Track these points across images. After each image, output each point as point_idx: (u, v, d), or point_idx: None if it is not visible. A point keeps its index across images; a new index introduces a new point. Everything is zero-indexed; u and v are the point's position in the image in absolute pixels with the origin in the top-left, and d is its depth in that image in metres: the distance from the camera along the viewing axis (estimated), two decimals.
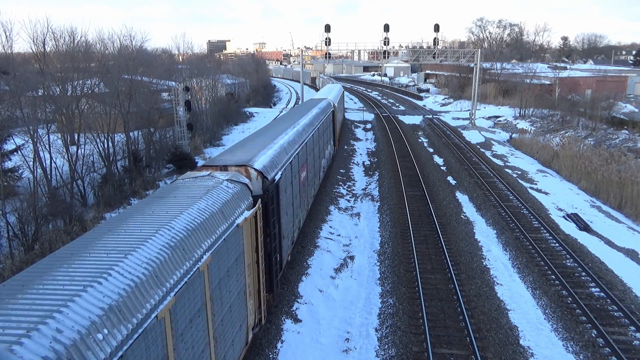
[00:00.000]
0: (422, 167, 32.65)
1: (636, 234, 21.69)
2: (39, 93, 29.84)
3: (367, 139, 45.74)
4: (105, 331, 5.47)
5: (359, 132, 49.75)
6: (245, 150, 14.42)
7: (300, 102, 61.93)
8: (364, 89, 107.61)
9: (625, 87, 74.55)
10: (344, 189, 28.16)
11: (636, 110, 56.83)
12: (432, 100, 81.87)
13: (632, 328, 13.73)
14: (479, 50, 54.71)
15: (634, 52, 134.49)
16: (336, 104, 33.74)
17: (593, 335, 13.43)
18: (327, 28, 52.50)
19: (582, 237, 20.50)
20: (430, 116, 61.36)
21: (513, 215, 22.71)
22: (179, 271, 7.14)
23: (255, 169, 12.18)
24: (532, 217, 22.71)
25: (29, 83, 29.24)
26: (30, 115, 26.69)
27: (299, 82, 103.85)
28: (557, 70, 78.19)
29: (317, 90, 71.89)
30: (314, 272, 17.06)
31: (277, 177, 13.37)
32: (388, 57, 54.47)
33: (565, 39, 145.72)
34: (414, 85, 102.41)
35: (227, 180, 10.92)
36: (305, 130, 20.38)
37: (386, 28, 52.63)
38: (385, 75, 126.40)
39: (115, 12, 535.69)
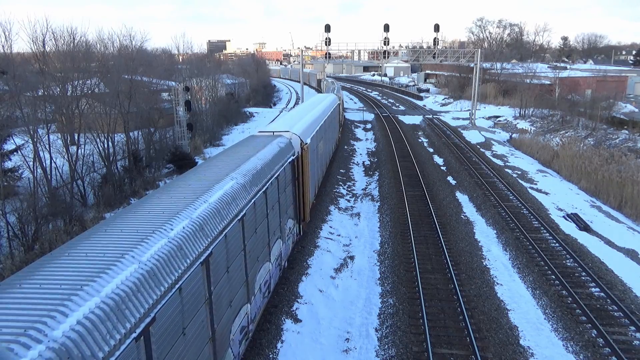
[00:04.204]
0: (422, 167, 32.64)
1: (636, 234, 21.68)
2: (39, 93, 29.83)
3: (367, 139, 45.73)
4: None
5: (359, 132, 49.76)
6: None
7: (300, 102, 61.80)
8: (364, 89, 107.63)
9: (625, 87, 74.55)
10: (344, 189, 28.15)
11: (636, 110, 56.82)
12: (432, 100, 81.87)
13: (632, 328, 13.72)
14: (479, 50, 54.70)
15: (634, 52, 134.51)
16: (308, 141, 19.28)
17: (593, 335, 13.43)
18: (327, 28, 52.51)
19: (582, 237, 20.49)
20: (430, 116, 61.36)
21: (513, 215, 22.71)
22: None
23: None
24: (532, 217, 22.71)
25: (29, 83, 29.25)
26: (30, 115, 26.68)
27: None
28: (557, 70, 78.17)
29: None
30: (314, 272, 17.06)
31: None
32: (388, 57, 54.47)
33: (565, 39, 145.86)
34: (414, 85, 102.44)
35: None
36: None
37: (386, 28, 52.64)
38: (385, 75, 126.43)
39: (116, 12, 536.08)
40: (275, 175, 14.41)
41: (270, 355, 12.36)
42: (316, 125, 23.35)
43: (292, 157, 17.01)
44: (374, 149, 40.49)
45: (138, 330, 6.31)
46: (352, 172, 32.24)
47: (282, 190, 15.62)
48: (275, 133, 17.95)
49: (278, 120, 23.90)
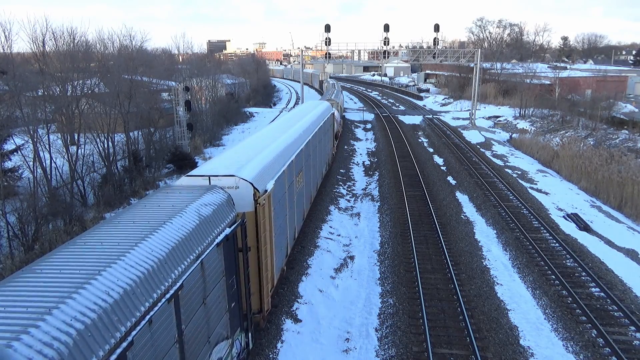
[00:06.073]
0: (422, 167, 32.64)
1: (636, 234, 21.68)
2: (39, 93, 29.84)
3: (367, 139, 45.73)
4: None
5: (359, 132, 49.75)
6: None
7: (300, 102, 61.80)
8: (364, 89, 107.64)
9: (625, 87, 74.59)
10: (344, 189, 28.15)
11: (636, 110, 56.83)
12: (432, 100, 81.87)
13: (632, 328, 13.73)
14: (479, 50, 54.69)
15: (634, 52, 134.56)
16: (270, 187, 12.71)
17: (593, 335, 13.43)
18: (327, 28, 52.51)
19: (582, 237, 20.49)
20: (430, 116, 61.37)
21: (513, 215, 22.71)
22: None
23: None
24: (532, 217, 22.71)
25: (29, 83, 29.25)
26: (30, 115, 26.69)
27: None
28: (557, 70, 78.16)
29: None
30: (314, 272, 17.06)
31: None
32: (388, 57, 54.45)
33: (565, 39, 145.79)
34: (414, 85, 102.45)
35: None
36: None
37: (386, 28, 52.63)
38: (385, 75, 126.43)
39: (116, 12, 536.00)
40: (172, 291, 7.31)
41: (270, 355, 12.36)
42: (291, 154, 16.59)
43: (230, 229, 9.89)
44: (374, 149, 40.49)
45: None
46: (352, 172, 32.24)
47: (196, 302, 8.37)
48: (211, 179, 11.29)
49: (229, 151, 15.25)
